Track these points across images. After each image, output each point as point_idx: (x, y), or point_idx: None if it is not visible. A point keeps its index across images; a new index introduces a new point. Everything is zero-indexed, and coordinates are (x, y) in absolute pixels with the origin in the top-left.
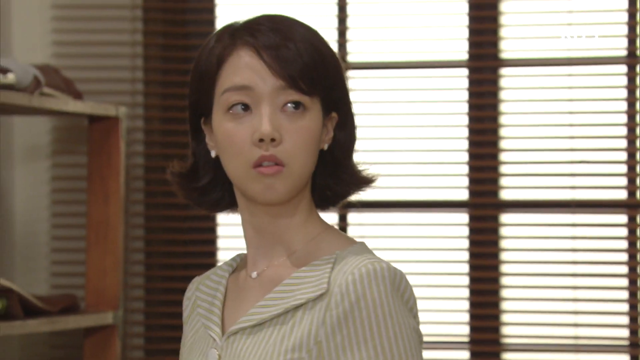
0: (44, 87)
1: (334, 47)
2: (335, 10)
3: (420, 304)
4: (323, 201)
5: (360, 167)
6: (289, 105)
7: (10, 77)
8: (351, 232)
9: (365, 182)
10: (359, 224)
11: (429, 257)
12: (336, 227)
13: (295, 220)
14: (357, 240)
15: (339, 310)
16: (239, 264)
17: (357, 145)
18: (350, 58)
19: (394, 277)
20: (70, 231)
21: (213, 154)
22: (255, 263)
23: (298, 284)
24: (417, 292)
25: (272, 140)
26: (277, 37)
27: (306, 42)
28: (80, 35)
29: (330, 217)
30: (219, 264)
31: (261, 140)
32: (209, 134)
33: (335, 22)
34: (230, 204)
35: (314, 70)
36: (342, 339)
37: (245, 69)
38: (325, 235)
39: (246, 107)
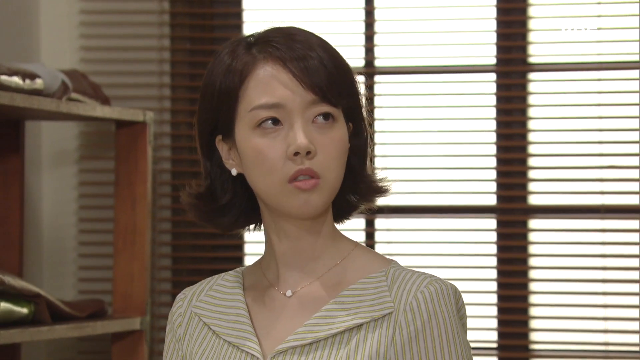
0: (71, 92)
1: (361, 52)
2: (362, 15)
3: None
4: (339, 213)
5: (374, 176)
6: (319, 117)
7: (39, 83)
8: (379, 237)
9: (379, 192)
10: (387, 229)
11: (457, 263)
12: (364, 232)
13: (324, 235)
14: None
15: (411, 329)
16: (246, 279)
17: (384, 151)
18: (378, 63)
19: (454, 295)
20: (98, 236)
21: (234, 171)
22: (287, 281)
23: (353, 302)
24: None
25: (307, 153)
26: (298, 47)
27: (325, 50)
28: (107, 40)
29: (357, 223)
30: (209, 279)
31: (296, 154)
32: (227, 151)
33: (362, 27)
34: (244, 224)
35: (338, 79)
36: (411, 356)
37: (274, 84)
38: (358, 252)
39: (276, 121)
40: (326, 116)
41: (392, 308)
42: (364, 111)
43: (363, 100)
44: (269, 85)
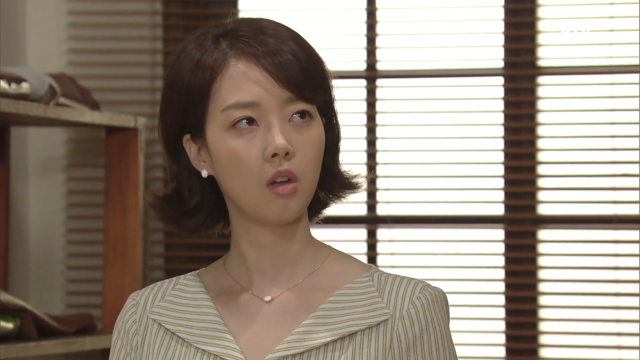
0: (59, 97)
1: (363, 54)
2: (364, 16)
3: (453, 325)
4: (309, 211)
5: (346, 172)
6: (296, 115)
7: (25, 87)
8: (381, 248)
9: (351, 187)
10: (389, 240)
11: (463, 275)
12: (365, 243)
13: (299, 240)
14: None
15: (409, 336)
16: (207, 283)
17: (386, 158)
18: (380, 66)
19: (445, 300)
20: (87, 248)
21: (205, 173)
22: (263, 287)
23: (343, 309)
24: (450, 312)
25: (286, 154)
26: (270, 42)
27: (297, 43)
28: (97, 42)
29: (359, 233)
30: (159, 283)
31: (274, 155)
32: (196, 151)
33: (363, 29)
34: (211, 225)
35: (313, 73)
36: None
37: (247, 82)
38: (335, 256)
39: (251, 121)
40: (303, 114)
41: (389, 315)
42: (335, 105)
43: (334, 94)
44: (243, 83)
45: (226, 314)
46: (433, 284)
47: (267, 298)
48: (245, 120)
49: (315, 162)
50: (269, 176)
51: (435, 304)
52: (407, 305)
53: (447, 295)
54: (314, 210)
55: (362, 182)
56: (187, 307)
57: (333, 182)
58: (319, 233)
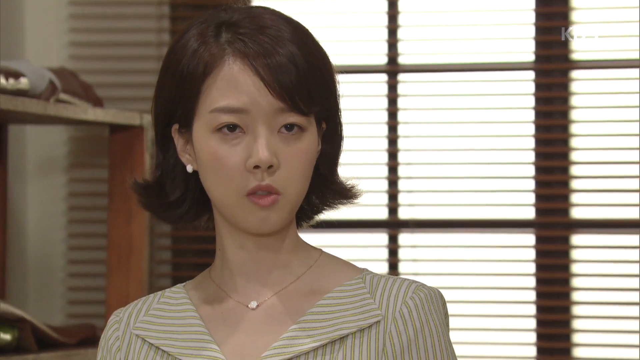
0: (60, 93)
1: (384, 48)
2: (385, 6)
3: (481, 336)
4: (300, 215)
5: (344, 183)
6: (283, 127)
7: (24, 82)
8: (403, 254)
9: (347, 198)
10: (412, 246)
11: (491, 283)
12: (386, 249)
13: (285, 250)
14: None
15: (403, 338)
16: (192, 294)
17: (408, 158)
18: (402, 60)
19: (441, 300)
20: (89, 254)
21: (190, 168)
22: (248, 291)
23: (333, 312)
24: (477, 322)
25: (269, 167)
26: (267, 43)
27: (298, 45)
28: (100, 35)
29: (379, 238)
30: (144, 299)
31: (256, 167)
32: (183, 144)
33: (385, 20)
34: (194, 218)
35: (311, 80)
36: None
37: (239, 87)
38: (325, 259)
39: (238, 127)
40: (291, 127)
41: (380, 316)
42: (340, 114)
43: (340, 99)
44: (234, 86)
45: (211, 323)
46: (459, 292)
47: (253, 304)
48: (232, 126)
49: (302, 175)
50: (248, 188)
51: (430, 305)
52: (400, 306)
53: (474, 305)
54: (304, 215)
55: (359, 193)
56: (171, 319)
57: (327, 192)
58: (335, 238)
